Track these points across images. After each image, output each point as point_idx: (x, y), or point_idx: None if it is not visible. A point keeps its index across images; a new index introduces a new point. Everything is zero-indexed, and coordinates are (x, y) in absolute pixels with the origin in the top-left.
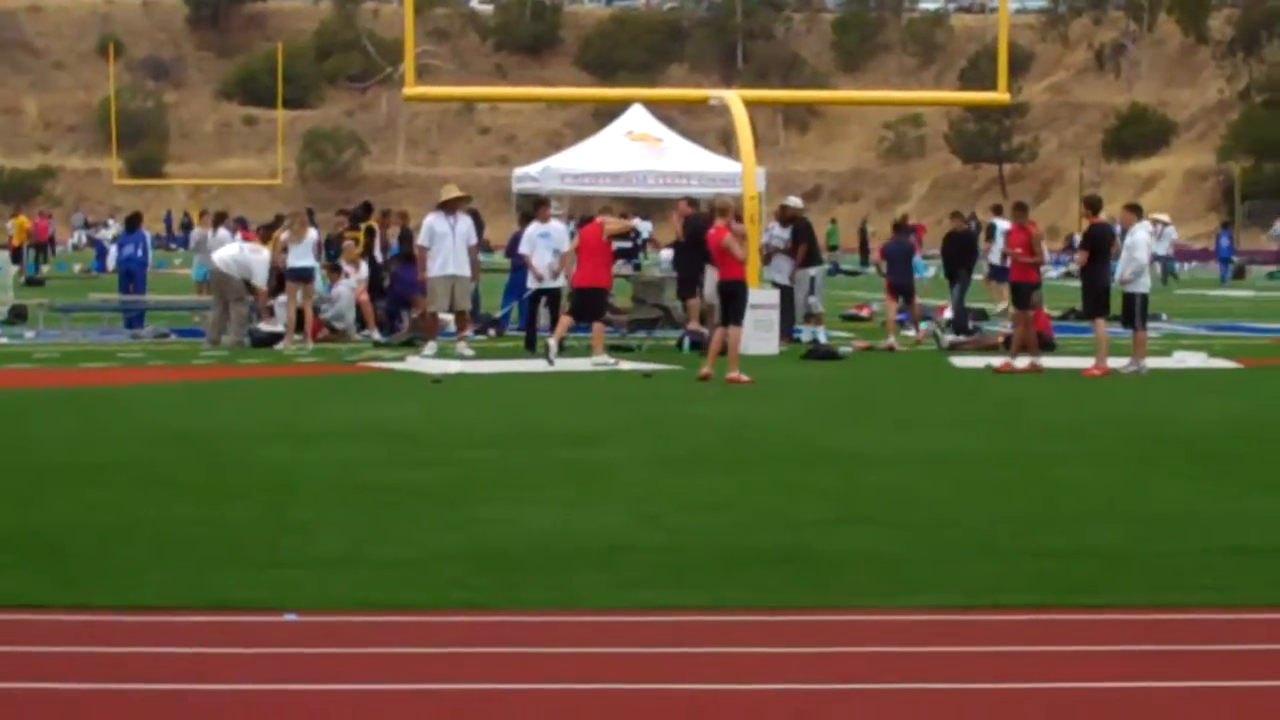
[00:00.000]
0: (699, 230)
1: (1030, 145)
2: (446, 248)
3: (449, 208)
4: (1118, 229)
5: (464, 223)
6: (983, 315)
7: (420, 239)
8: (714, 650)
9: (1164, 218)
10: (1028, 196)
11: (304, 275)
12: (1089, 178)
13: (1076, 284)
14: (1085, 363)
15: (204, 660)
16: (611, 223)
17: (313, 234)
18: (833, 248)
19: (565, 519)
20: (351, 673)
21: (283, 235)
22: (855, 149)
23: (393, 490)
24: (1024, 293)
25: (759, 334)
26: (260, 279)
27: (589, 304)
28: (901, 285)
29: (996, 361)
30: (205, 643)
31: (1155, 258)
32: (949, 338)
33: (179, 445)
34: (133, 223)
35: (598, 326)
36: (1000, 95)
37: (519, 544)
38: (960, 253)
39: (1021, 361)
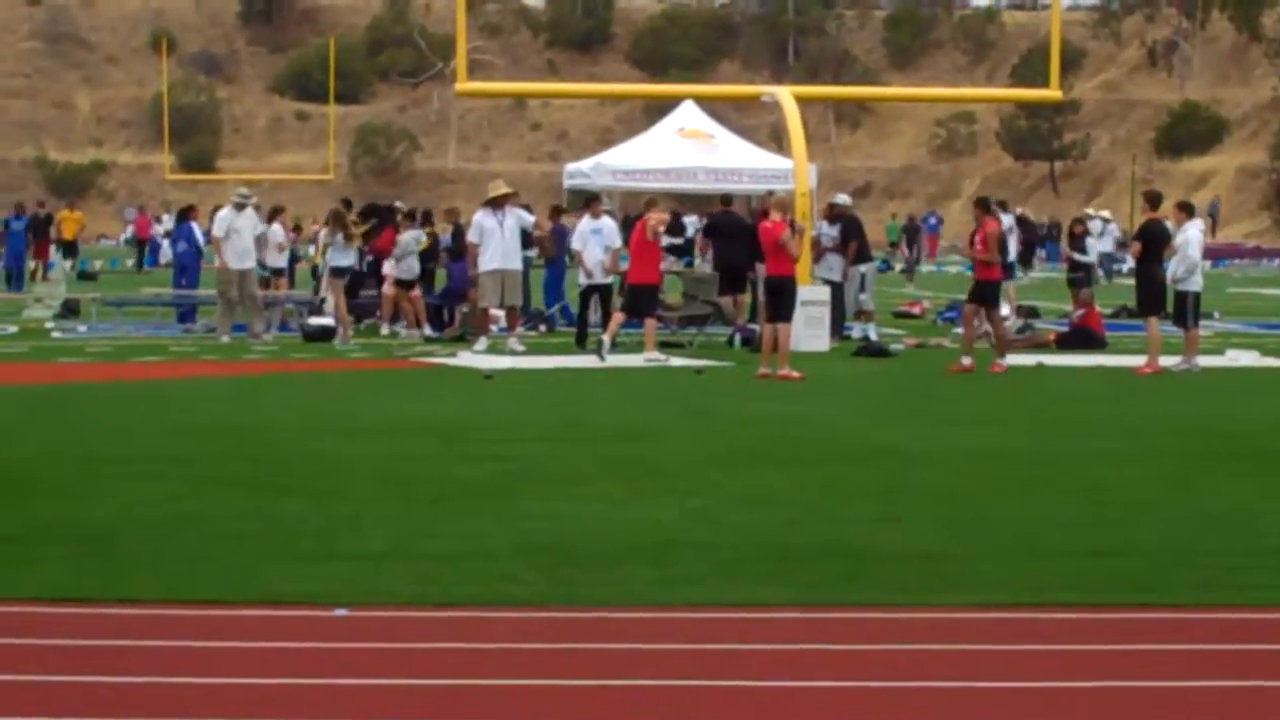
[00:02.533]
0: (718, 227)
1: (1082, 143)
2: (495, 243)
3: (496, 204)
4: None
5: (512, 218)
6: (1035, 313)
7: (470, 236)
8: (762, 646)
9: (1105, 214)
10: (1079, 194)
11: (345, 273)
12: (1141, 175)
13: (1128, 282)
14: (1137, 361)
15: (254, 654)
16: (652, 218)
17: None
18: (893, 244)
19: (615, 514)
20: (402, 668)
21: (323, 233)
22: (906, 146)
23: (443, 485)
24: (988, 290)
25: (810, 331)
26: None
27: (641, 300)
28: None
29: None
30: (255, 637)
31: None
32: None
33: (229, 439)
34: (182, 216)
35: (649, 323)
36: (1052, 92)
37: (569, 539)
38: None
39: (968, 360)
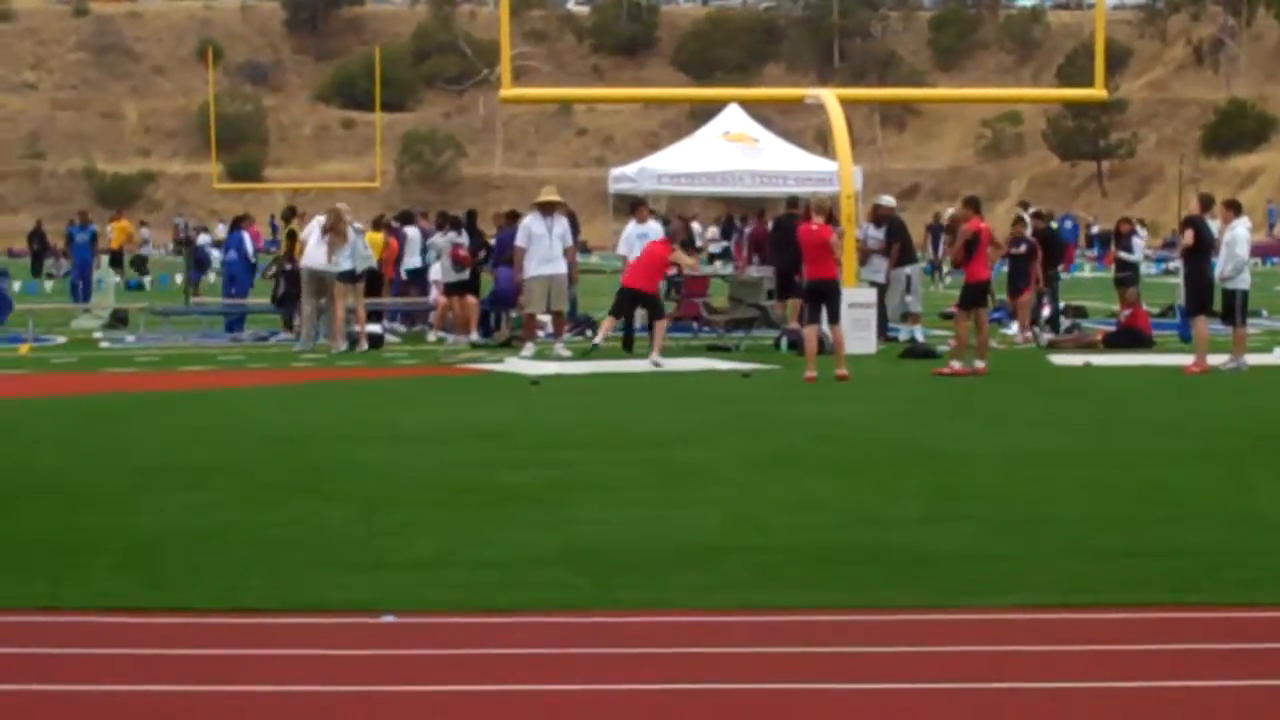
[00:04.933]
0: (780, 230)
1: (1129, 142)
2: (543, 249)
3: (546, 209)
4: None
5: (560, 224)
6: (1082, 313)
7: (518, 240)
8: (810, 650)
9: (1043, 211)
10: (1127, 193)
11: (349, 278)
12: (1188, 174)
13: (1176, 281)
14: (1185, 359)
15: (302, 662)
16: (681, 258)
17: (353, 235)
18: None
19: (661, 520)
20: (450, 674)
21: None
22: (953, 147)
23: (490, 491)
24: (972, 293)
25: (856, 333)
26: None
27: (641, 302)
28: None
29: (951, 366)
30: (303, 645)
31: None
32: (1047, 335)
33: (276, 447)
34: (235, 225)
35: (659, 324)
36: (1097, 92)
37: (615, 545)
38: (1049, 252)
39: (958, 364)
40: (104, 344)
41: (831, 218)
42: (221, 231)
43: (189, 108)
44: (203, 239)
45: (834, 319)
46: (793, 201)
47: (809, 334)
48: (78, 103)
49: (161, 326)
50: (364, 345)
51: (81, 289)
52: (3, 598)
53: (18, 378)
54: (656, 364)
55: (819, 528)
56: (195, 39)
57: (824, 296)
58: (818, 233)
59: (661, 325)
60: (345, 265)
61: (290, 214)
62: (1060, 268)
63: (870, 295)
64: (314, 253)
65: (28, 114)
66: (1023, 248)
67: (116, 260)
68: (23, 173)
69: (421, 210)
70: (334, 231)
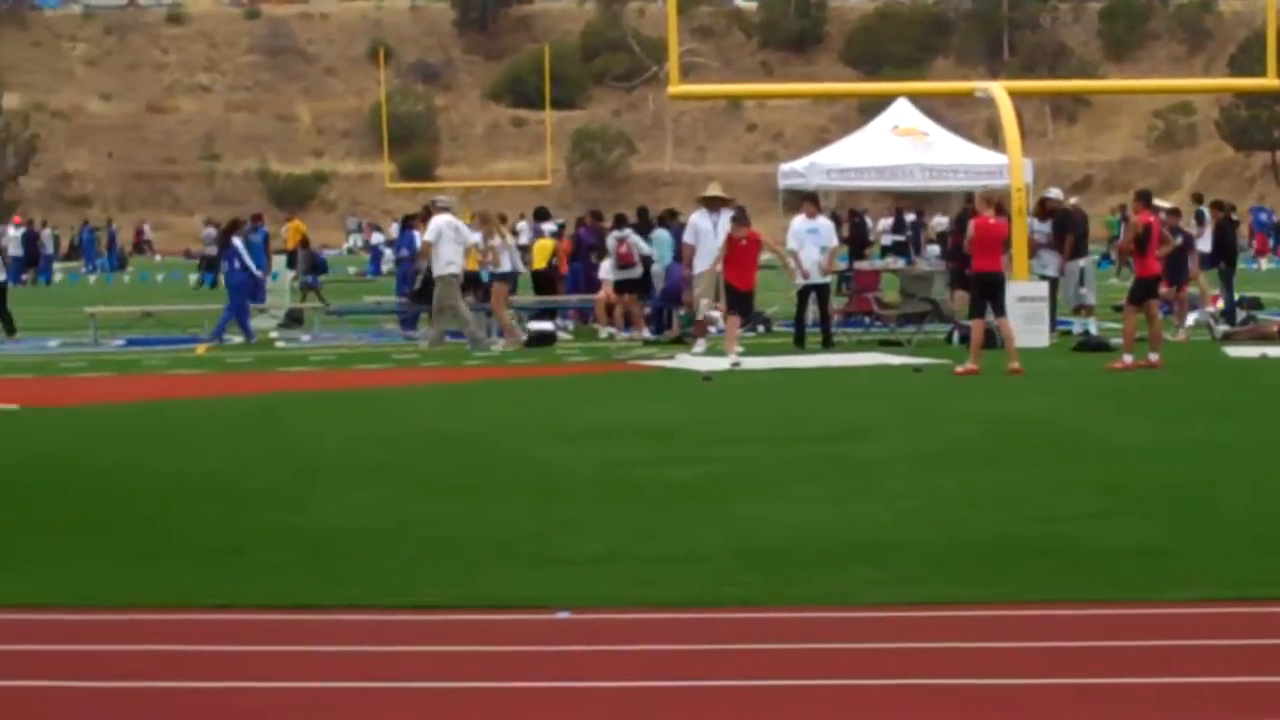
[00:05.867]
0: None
1: None
2: (710, 245)
3: (712, 205)
4: None
5: (726, 219)
6: (1258, 304)
7: (686, 236)
8: (981, 645)
9: (1167, 205)
10: None
11: (504, 278)
12: None
13: None
14: None
15: (478, 659)
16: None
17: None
18: (1113, 238)
19: (831, 515)
20: (625, 670)
21: (494, 241)
22: (1125, 138)
23: (660, 487)
24: (1142, 288)
25: (1029, 326)
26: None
27: (738, 302)
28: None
29: (1122, 360)
30: (478, 641)
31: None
32: (1222, 328)
33: (448, 445)
34: (405, 225)
35: (733, 320)
36: (1270, 81)
37: (785, 540)
38: (1223, 244)
39: (1129, 358)
40: (279, 344)
41: (1000, 210)
42: (394, 231)
43: (361, 108)
44: (376, 238)
45: (1000, 311)
46: (972, 197)
47: (976, 326)
48: (251, 104)
49: (337, 326)
50: (521, 338)
51: (256, 290)
52: (179, 595)
53: (194, 378)
54: (735, 364)
55: (990, 522)
56: (366, 40)
57: (992, 289)
58: (995, 226)
59: (735, 321)
60: (506, 267)
61: (427, 214)
62: (1250, 254)
63: (1042, 289)
64: (456, 257)
65: (203, 116)
66: (1179, 239)
67: (292, 260)
68: (198, 174)
69: (591, 210)
70: (502, 235)
